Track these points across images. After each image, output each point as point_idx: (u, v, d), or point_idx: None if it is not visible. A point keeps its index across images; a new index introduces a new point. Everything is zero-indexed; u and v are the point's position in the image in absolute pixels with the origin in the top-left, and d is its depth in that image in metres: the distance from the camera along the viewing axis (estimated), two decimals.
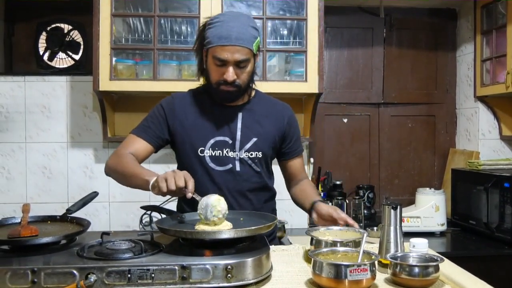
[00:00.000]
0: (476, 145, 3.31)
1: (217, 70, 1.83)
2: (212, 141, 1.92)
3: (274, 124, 2.00)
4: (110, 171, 1.89)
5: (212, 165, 1.92)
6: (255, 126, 1.96)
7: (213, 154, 1.92)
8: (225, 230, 1.42)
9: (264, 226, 1.47)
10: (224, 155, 1.92)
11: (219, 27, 1.80)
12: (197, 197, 1.59)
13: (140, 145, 1.90)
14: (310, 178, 3.22)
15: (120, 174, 1.84)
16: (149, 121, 1.96)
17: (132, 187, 1.80)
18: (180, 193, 1.59)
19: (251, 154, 1.94)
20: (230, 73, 1.81)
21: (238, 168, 1.93)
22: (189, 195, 1.58)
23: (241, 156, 1.93)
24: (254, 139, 1.94)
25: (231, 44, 1.78)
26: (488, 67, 3.19)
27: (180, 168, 1.99)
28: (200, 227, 1.51)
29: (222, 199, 1.55)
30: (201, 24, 1.94)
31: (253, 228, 1.45)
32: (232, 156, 1.93)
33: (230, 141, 1.93)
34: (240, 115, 1.96)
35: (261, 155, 1.95)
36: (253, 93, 2.02)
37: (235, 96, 1.90)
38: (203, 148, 1.92)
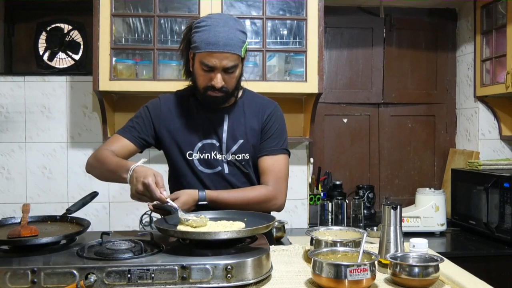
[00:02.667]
0: (476, 145, 3.31)
1: (205, 76, 1.81)
2: (200, 144, 1.91)
3: (257, 122, 1.95)
4: (89, 168, 1.91)
5: (201, 168, 1.91)
6: (241, 127, 1.93)
7: (202, 157, 1.91)
8: (223, 231, 1.41)
9: (262, 227, 1.46)
10: (212, 157, 1.91)
11: (207, 31, 1.76)
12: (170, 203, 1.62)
13: (122, 143, 1.90)
14: (310, 179, 3.23)
15: (99, 171, 1.86)
16: (134, 121, 1.95)
17: (113, 182, 1.81)
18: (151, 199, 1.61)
19: (238, 157, 1.92)
20: (219, 80, 1.79)
21: (226, 170, 1.92)
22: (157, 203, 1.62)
23: (229, 159, 1.92)
24: (240, 141, 1.92)
25: (219, 50, 1.75)
26: (488, 67, 3.19)
27: (170, 169, 2.00)
28: (183, 227, 1.52)
29: None
30: (186, 25, 1.91)
31: (251, 228, 1.46)
32: (220, 159, 1.91)
33: (218, 144, 1.92)
34: (226, 117, 1.94)
35: (248, 156, 1.93)
36: (240, 93, 1.98)
37: (222, 101, 1.88)
38: (191, 152, 1.91)
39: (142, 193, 1.60)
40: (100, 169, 1.84)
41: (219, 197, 1.83)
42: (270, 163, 1.94)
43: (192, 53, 1.85)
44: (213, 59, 1.76)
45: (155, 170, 1.63)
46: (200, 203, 1.79)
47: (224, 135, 1.92)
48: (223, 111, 1.94)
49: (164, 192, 1.59)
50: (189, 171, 1.91)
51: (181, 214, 1.57)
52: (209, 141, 1.92)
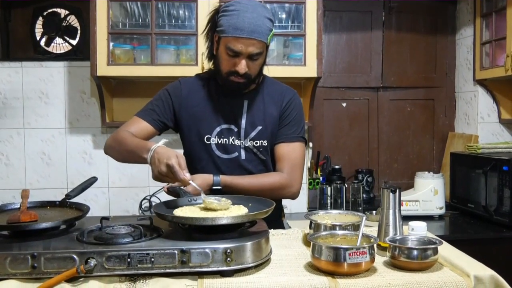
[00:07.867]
0: (475, 128, 3.31)
1: (229, 60, 1.81)
2: (218, 128, 1.91)
3: (276, 109, 1.95)
4: (108, 149, 1.92)
5: (218, 152, 1.91)
6: (260, 114, 1.93)
7: (219, 141, 1.91)
8: (222, 216, 1.41)
9: (260, 212, 1.46)
10: (230, 143, 1.91)
11: (235, 16, 1.75)
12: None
13: (142, 126, 1.90)
14: (309, 163, 3.23)
15: (117, 151, 1.87)
16: (154, 104, 1.95)
17: (132, 163, 1.82)
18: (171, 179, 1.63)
19: (256, 143, 1.92)
20: (243, 66, 1.79)
21: (243, 156, 1.92)
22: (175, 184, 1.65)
23: (246, 145, 1.92)
24: (259, 128, 1.92)
25: (246, 36, 1.75)
26: (488, 50, 3.17)
27: (185, 154, 1.98)
28: (180, 211, 1.52)
29: None
30: (213, 8, 1.90)
31: (248, 214, 1.46)
32: (238, 144, 1.92)
33: (236, 129, 1.92)
34: (245, 103, 1.93)
35: (266, 143, 1.93)
36: (260, 79, 1.98)
37: (243, 87, 1.88)
38: (209, 136, 1.91)
39: (165, 175, 1.60)
40: (119, 149, 1.85)
41: (233, 182, 1.83)
42: (286, 150, 1.93)
43: (217, 36, 1.83)
44: (239, 44, 1.76)
45: (176, 151, 1.63)
46: (214, 187, 1.80)
47: (243, 121, 1.92)
48: (243, 96, 1.93)
49: (187, 174, 1.59)
50: (206, 155, 1.91)
51: (204, 197, 1.58)
52: (227, 126, 1.92)
